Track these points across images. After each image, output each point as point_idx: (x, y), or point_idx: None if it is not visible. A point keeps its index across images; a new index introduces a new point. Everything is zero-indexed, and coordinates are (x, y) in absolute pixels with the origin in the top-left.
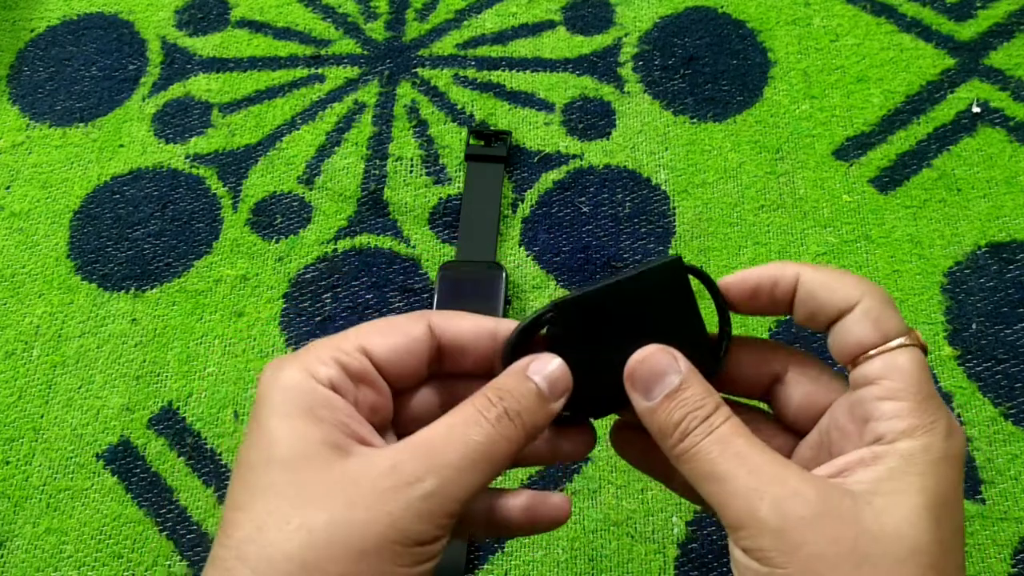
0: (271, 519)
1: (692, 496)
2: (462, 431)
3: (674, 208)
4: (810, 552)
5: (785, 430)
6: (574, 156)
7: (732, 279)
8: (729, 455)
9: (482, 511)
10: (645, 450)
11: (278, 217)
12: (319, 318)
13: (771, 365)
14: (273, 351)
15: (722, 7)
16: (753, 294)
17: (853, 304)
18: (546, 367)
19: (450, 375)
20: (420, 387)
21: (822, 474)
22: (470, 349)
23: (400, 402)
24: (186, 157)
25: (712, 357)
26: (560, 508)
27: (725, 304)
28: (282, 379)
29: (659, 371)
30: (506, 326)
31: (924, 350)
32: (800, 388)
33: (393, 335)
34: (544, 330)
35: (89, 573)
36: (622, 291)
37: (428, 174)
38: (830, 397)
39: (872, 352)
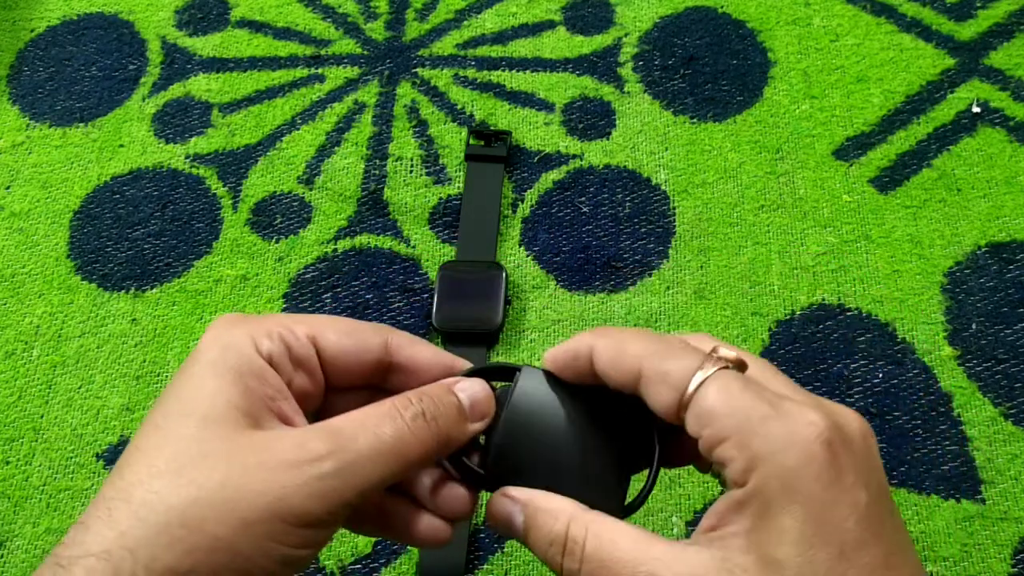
0: (166, 468)
1: None
2: (375, 422)
3: (674, 208)
4: None
5: None
6: (574, 156)
7: (550, 355)
8: (602, 557)
9: (375, 505)
10: None
11: (278, 217)
12: None
13: (625, 369)
14: None
15: (722, 7)
16: (567, 373)
17: (636, 377)
18: (471, 387)
19: (392, 391)
20: (358, 390)
21: (706, 524)
22: (422, 376)
23: (333, 399)
24: (186, 157)
25: (620, 501)
26: (439, 529)
27: (658, 466)
28: (225, 338)
29: (505, 517)
30: (462, 364)
31: (735, 363)
32: (650, 389)
33: (348, 339)
34: (498, 385)
35: None
36: (589, 395)
37: (428, 174)
38: (675, 396)
39: (682, 406)
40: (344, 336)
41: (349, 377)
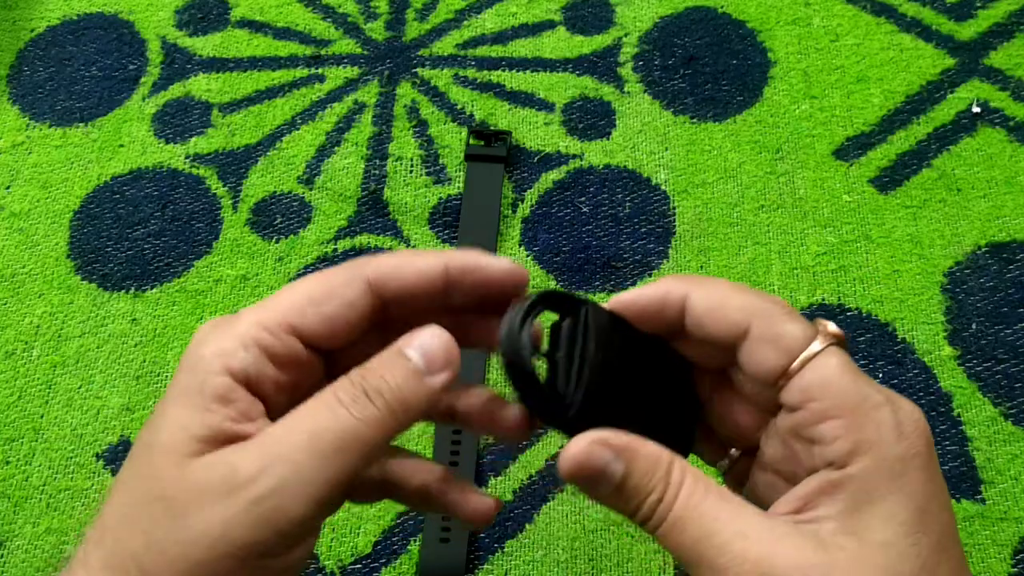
0: (128, 512)
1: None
2: (310, 420)
3: (674, 208)
4: None
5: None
6: (574, 156)
7: (623, 300)
8: (691, 509)
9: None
10: None
11: (278, 217)
12: None
13: (727, 322)
14: None
15: (722, 7)
16: (644, 318)
17: (744, 330)
18: (422, 341)
19: (397, 320)
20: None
21: (785, 509)
22: (419, 297)
23: (335, 356)
24: (186, 157)
25: (687, 435)
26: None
27: (696, 392)
28: (194, 358)
29: (598, 468)
30: (459, 259)
31: (839, 340)
32: (754, 348)
33: (327, 303)
34: (563, 324)
35: None
36: (643, 341)
37: (428, 174)
38: (784, 361)
39: (791, 369)
40: (321, 304)
41: (344, 340)
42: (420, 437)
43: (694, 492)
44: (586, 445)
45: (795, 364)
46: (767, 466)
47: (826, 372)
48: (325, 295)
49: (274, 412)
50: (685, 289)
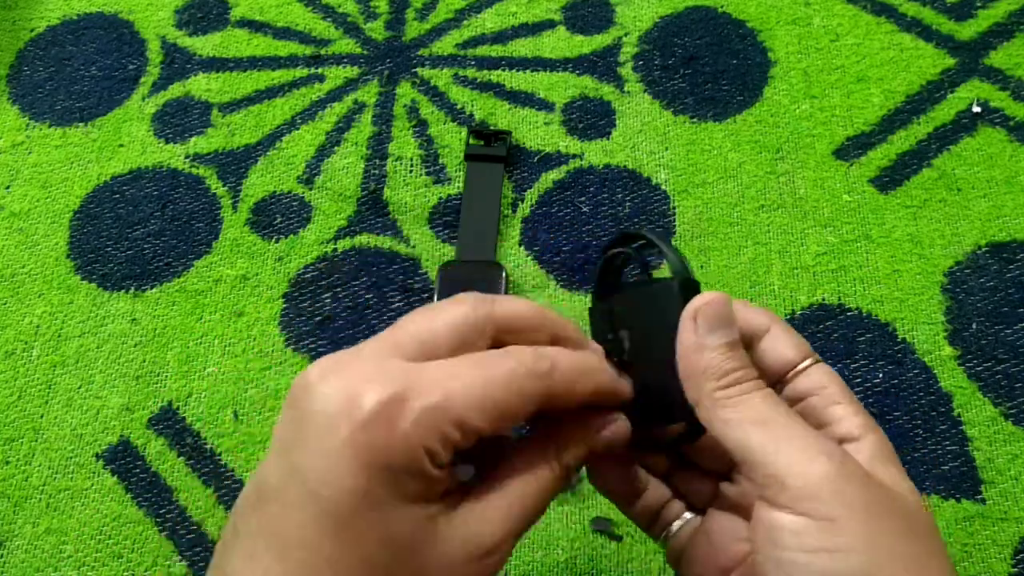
0: None
1: (645, 520)
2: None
3: (674, 208)
4: (866, 503)
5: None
6: (574, 156)
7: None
8: (781, 411)
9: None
10: (621, 479)
11: (278, 217)
12: (319, 318)
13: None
14: (273, 351)
15: (722, 7)
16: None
17: (767, 328)
18: (616, 430)
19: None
20: None
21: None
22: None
23: None
24: (186, 157)
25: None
26: None
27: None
28: (397, 459)
29: (726, 319)
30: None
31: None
32: (774, 347)
33: (511, 419)
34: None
35: (89, 573)
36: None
37: (428, 174)
38: (799, 356)
39: (800, 367)
40: (506, 422)
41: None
42: None
43: (780, 401)
44: (724, 297)
45: (807, 361)
46: (729, 503)
47: (832, 374)
48: (515, 412)
49: None
50: (769, 323)
